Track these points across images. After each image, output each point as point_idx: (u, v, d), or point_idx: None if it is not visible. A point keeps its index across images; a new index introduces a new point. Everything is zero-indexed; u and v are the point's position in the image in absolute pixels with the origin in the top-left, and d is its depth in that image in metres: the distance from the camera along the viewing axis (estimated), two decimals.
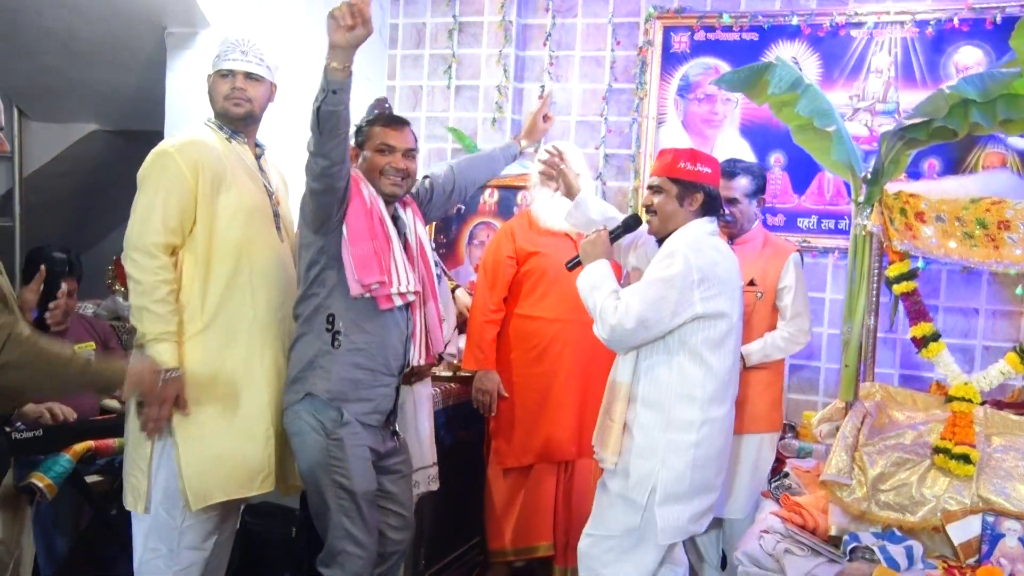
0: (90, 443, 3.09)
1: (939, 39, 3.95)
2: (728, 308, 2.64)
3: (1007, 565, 2.56)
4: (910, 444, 2.84)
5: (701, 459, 2.63)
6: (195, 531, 2.66)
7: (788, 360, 3.60)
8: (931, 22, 3.95)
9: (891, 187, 3.00)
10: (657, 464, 2.62)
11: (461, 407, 3.79)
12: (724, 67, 4.25)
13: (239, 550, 3.09)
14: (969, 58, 3.90)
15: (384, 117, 2.90)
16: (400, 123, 2.83)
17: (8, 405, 2.49)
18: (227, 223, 2.62)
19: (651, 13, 4.36)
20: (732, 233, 3.34)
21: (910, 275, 3.05)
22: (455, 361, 3.83)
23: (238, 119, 2.71)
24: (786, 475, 3.18)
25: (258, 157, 2.80)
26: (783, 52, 4.09)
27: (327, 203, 2.59)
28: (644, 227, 2.88)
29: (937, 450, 2.76)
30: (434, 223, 4.37)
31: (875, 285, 3.07)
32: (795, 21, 4.14)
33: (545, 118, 3.24)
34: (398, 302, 2.72)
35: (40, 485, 2.86)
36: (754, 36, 4.23)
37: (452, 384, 3.81)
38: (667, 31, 4.37)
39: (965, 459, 2.70)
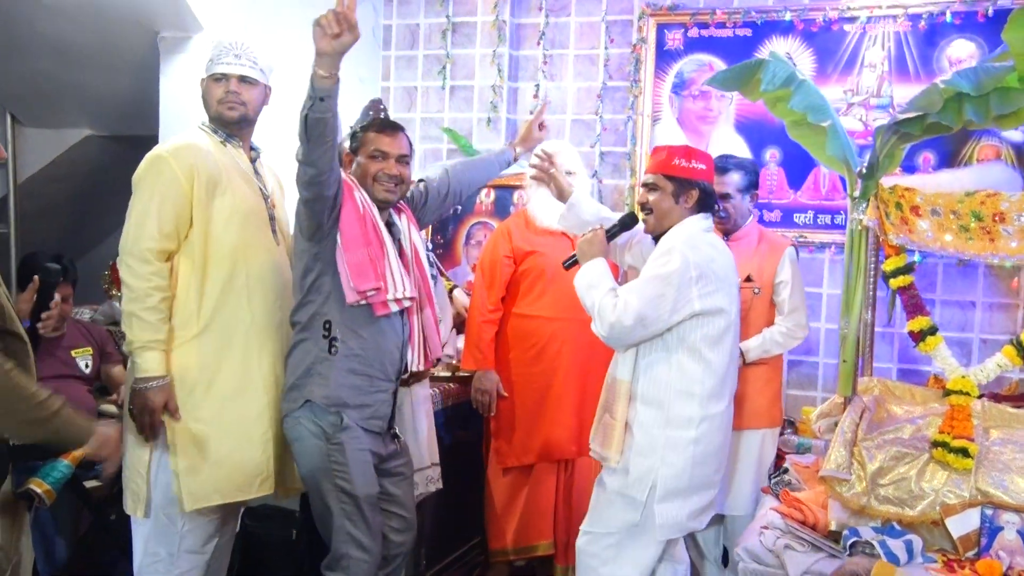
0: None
1: (932, 33, 3.96)
2: (726, 304, 2.64)
3: (1006, 558, 2.57)
4: (909, 438, 2.84)
5: (700, 455, 2.63)
6: (195, 535, 2.66)
7: (786, 356, 3.61)
8: (923, 16, 3.96)
9: (886, 181, 3.00)
10: (656, 461, 2.62)
11: (460, 407, 3.79)
12: (718, 63, 4.26)
13: (239, 553, 3.08)
14: (962, 51, 3.92)
15: (378, 123, 2.89)
16: (394, 129, 2.82)
17: None
18: (223, 227, 2.62)
19: (644, 11, 4.36)
20: (726, 229, 3.33)
21: (907, 269, 3.05)
22: (454, 361, 3.84)
23: (232, 123, 2.70)
24: (785, 471, 3.19)
25: (253, 160, 2.80)
26: (777, 48, 4.09)
27: (318, 211, 2.59)
28: (640, 225, 2.88)
29: (936, 444, 2.76)
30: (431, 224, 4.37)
31: (872, 280, 3.08)
32: (788, 17, 4.15)
33: (540, 127, 3.25)
34: (394, 308, 2.71)
35: (39, 491, 2.84)
36: (747, 32, 4.23)
37: (451, 384, 3.81)
38: (660, 28, 4.37)
39: (963, 452, 2.70)
